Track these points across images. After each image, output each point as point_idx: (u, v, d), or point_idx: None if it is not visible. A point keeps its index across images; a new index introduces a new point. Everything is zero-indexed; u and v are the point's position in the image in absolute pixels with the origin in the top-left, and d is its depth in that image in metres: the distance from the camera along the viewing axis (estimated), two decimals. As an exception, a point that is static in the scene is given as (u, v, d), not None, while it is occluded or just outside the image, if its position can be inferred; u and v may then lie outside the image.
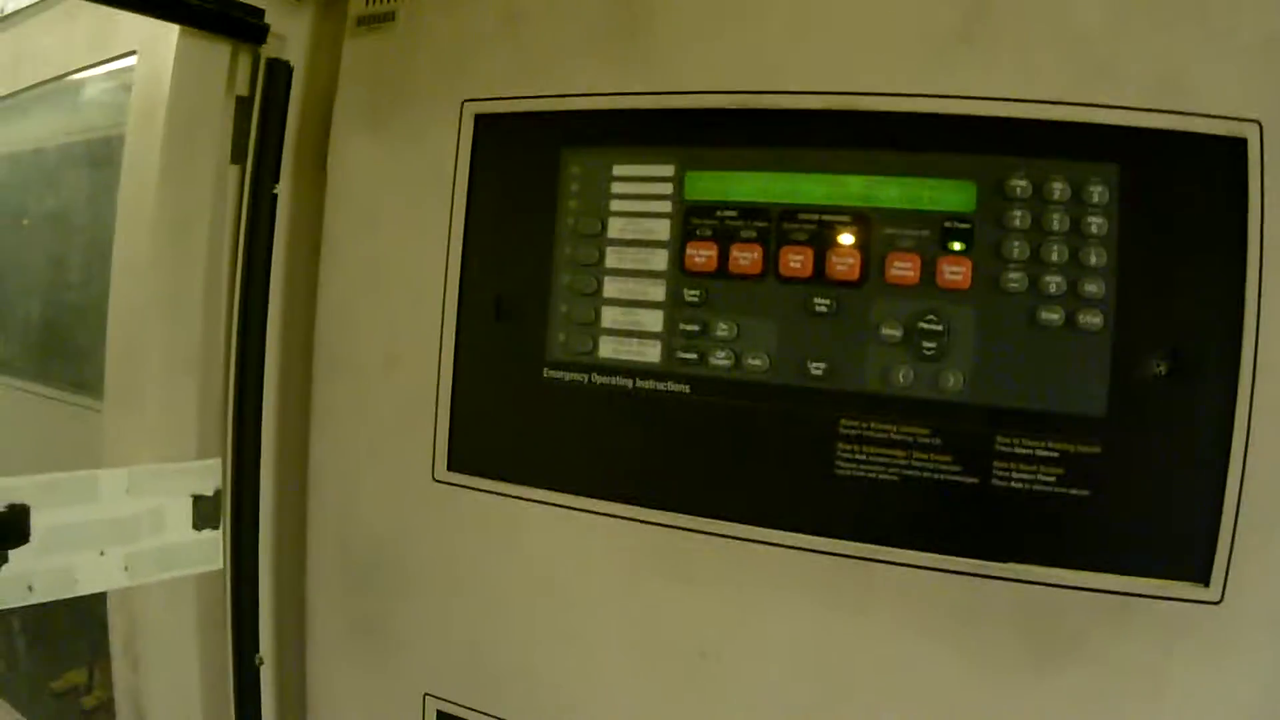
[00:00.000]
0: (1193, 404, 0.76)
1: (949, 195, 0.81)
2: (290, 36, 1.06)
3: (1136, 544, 0.77)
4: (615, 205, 0.92)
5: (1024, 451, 0.79)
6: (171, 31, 0.98)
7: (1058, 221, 0.78)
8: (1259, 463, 0.74)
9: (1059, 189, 0.78)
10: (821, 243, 0.84)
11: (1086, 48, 0.77)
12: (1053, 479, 0.78)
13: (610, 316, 0.92)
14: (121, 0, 0.91)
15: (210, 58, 1.00)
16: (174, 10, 0.94)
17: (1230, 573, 0.74)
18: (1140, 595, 0.76)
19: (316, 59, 1.09)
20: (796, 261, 0.84)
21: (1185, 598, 0.76)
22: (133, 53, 1.03)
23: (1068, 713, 0.79)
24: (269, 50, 1.03)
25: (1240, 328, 0.74)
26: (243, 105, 1.03)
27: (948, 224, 0.81)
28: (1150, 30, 0.76)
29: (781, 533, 0.85)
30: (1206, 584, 0.75)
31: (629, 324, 0.91)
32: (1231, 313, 0.74)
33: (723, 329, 0.87)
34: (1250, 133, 0.74)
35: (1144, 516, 0.77)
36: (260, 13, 1.01)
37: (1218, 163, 0.75)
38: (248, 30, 1.00)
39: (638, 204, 0.91)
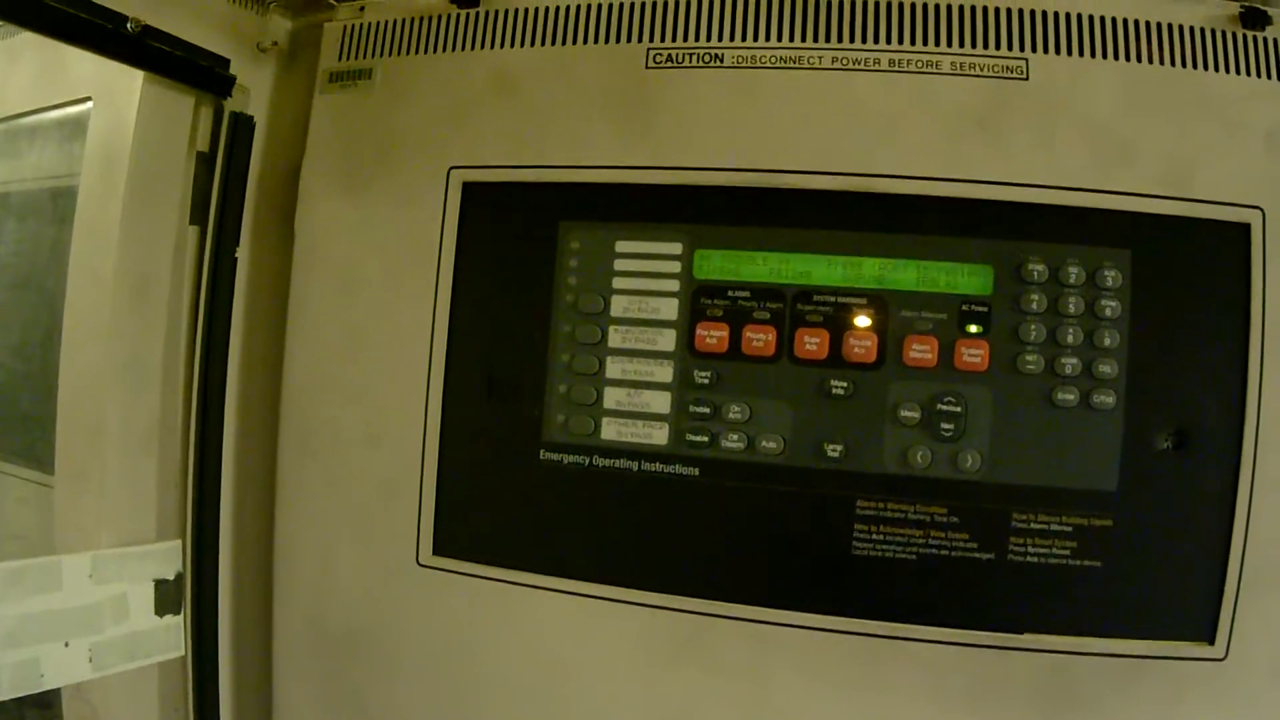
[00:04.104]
0: (1198, 477, 0.80)
1: (966, 279, 0.82)
2: (252, 89, 1.00)
3: (1146, 608, 0.81)
4: (619, 283, 0.89)
5: (1039, 527, 0.81)
6: (129, 79, 0.91)
7: (1073, 305, 0.80)
8: (1260, 529, 0.79)
9: (1074, 273, 0.80)
10: (838, 325, 0.84)
11: (1102, 136, 0.80)
12: (1067, 552, 0.81)
13: (614, 397, 0.89)
14: (93, 45, 0.83)
15: (174, 109, 0.93)
16: (142, 57, 0.87)
17: (1234, 631, 0.79)
18: (1150, 657, 0.80)
19: (278, 114, 1.03)
20: (812, 344, 0.84)
21: (1192, 656, 0.80)
22: (87, 99, 0.95)
23: (1084, 775, 0.81)
24: (233, 104, 0.97)
25: (1243, 404, 0.79)
26: (202, 161, 0.97)
27: (965, 307, 0.82)
28: (1163, 120, 0.80)
29: (798, 614, 0.85)
30: (1212, 642, 0.79)
31: (634, 405, 0.89)
32: (1235, 390, 0.79)
33: (735, 411, 0.86)
34: (1253, 219, 0.79)
35: (1153, 582, 0.81)
36: (226, 62, 0.95)
37: (1223, 248, 0.79)
38: (214, 81, 0.94)
39: (643, 281, 0.89)
